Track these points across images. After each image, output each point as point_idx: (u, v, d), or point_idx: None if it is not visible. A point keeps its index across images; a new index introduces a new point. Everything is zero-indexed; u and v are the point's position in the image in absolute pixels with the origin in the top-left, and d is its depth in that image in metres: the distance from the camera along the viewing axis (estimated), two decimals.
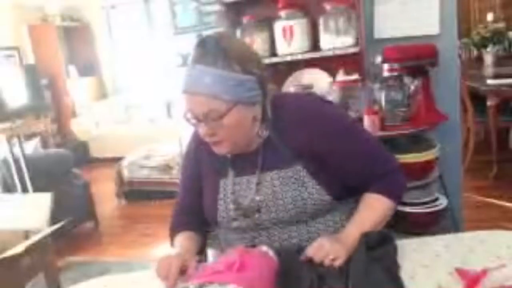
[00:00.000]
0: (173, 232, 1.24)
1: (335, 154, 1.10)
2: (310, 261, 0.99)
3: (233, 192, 1.14)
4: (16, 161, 2.99)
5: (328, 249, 0.99)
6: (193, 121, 1.05)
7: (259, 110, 1.09)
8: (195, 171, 1.23)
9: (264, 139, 1.13)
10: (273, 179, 1.11)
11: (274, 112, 1.13)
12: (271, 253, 1.02)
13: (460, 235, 1.15)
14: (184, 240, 1.18)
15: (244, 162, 1.14)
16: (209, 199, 1.19)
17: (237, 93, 1.01)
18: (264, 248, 1.04)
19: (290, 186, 1.09)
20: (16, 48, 6.07)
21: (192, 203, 1.25)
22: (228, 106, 1.01)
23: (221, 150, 1.10)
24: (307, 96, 1.21)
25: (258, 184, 1.12)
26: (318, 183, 1.09)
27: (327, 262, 0.97)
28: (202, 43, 1.03)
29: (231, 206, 1.14)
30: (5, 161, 3.03)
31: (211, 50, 1.01)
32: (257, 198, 1.11)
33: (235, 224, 1.14)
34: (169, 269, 1.03)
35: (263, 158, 1.12)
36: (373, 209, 1.10)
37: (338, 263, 0.97)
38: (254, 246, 1.10)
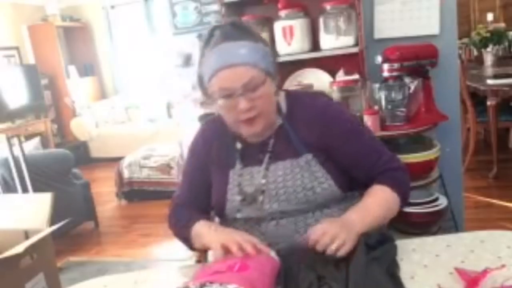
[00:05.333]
0: (185, 227, 1.15)
1: (343, 151, 1.14)
2: (310, 247, 0.95)
3: (239, 183, 1.15)
4: (16, 161, 2.98)
5: (333, 235, 0.94)
6: (228, 100, 1.05)
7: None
8: (203, 165, 1.23)
9: (276, 129, 1.16)
10: (285, 167, 1.12)
11: (288, 106, 1.18)
12: (272, 253, 1.02)
13: (460, 235, 1.15)
14: (215, 224, 1.16)
15: (253, 152, 1.16)
16: (218, 190, 1.19)
17: (267, 64, 1.07)
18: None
19: (302, 174, 1.11)
20: (16, 48, 6.07)
21: (196, 198, 1.24)
22: (264, 75, 1.06)
23: (254, 128, 1.10)
24: (319, 96, 1.24)
25: (266, 169, 1.13)
26: (328, 172, 1.12)
27: (330, 250, 0.93)
28: (217, 28, 1.08)
29: (237, 196, 1.15)
30: (5, 161, 3.03)
31: (234, 28, 1.07)
32: (263, 181, 1.12)
33: (239, 215, 1.15)
34: (238, 242, 0.98)
35: (273, 146, 1.15)
36: (377, 197, 1.10)
37: (342, 252, 0.93)
38: None
